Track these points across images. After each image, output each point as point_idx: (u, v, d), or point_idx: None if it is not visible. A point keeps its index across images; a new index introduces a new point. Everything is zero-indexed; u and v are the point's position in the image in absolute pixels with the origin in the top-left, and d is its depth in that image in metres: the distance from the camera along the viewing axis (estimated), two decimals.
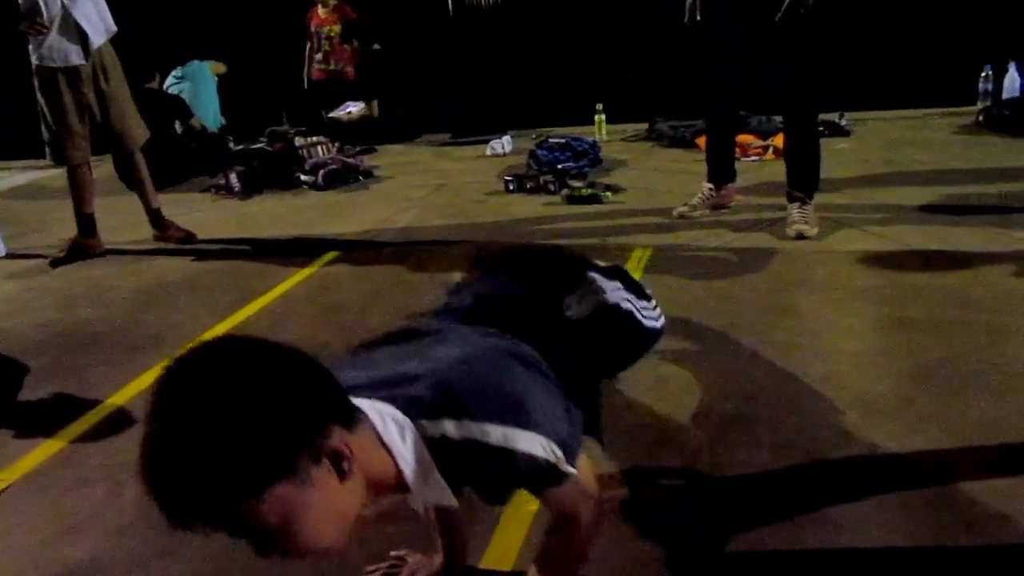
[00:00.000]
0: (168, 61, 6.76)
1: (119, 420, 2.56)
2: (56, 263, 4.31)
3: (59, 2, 3.98)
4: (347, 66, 7.09)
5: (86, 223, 4.41)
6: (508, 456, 1.08)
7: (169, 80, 6.71)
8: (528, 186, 4.78)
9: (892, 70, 6.02)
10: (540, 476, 1.13)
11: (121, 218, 4.83)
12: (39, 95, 4.17)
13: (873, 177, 4.50)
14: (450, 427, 1.08)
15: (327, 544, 1.00)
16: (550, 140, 5.37)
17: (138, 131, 4.36)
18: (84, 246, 4.39)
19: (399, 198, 5.00)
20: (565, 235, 3.93)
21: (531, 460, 1.10)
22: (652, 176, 4.97)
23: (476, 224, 4.23)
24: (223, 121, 6.87)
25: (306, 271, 3.76)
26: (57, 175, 5.18)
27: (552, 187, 4.66)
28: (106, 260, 4.33)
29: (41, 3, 3.97)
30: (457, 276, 1.79)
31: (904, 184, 4.25)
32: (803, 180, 3.70)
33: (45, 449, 2.42)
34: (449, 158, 6.17)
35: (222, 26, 7.40)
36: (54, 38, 4.02)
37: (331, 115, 6.82)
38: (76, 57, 4.07)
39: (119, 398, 2.70)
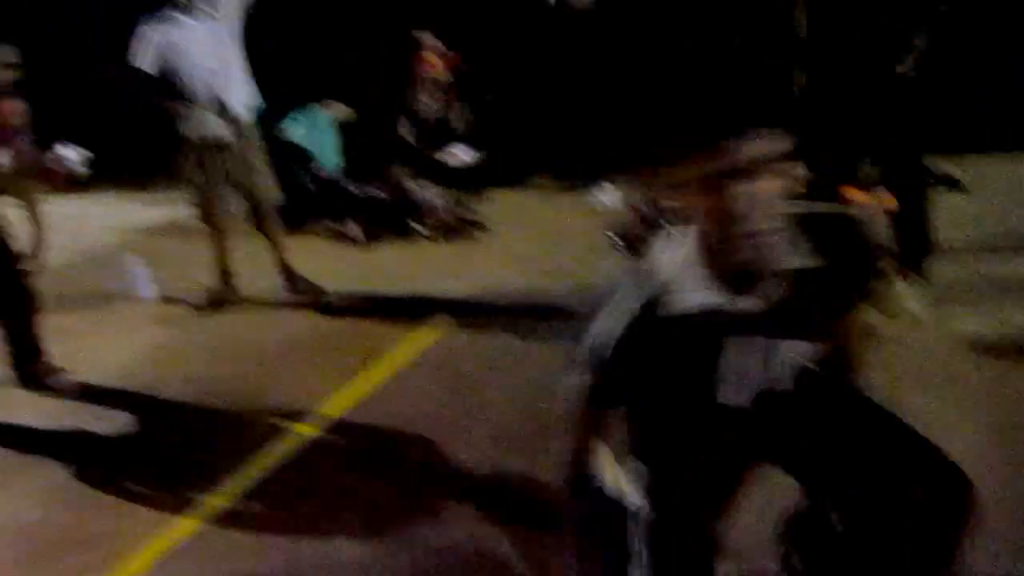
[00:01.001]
0: (288, 107, 7.16)
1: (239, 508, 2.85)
2: (199, 310, 4.74)
3: (210, 83, 4.40)
4: (456, 111, 7.37)
5: (225, 274, 4.84)
6: None
7: (294, 124, 7.12)
8: (635, 244, 4.93)
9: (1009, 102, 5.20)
10: None
11: (256, 268, 5.21)
12: (186, 162, 4.61)
13: (990, 241, 4.29)
14: None
15: None
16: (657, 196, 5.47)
17: (272, 192, 4.75)
18: (223, 296, 4.81)
19: (509, 253, 5.24)
20: None
21: None
22: None
23: (585, 287, 4.41)
24: (342, 164, 7.24)
25: (424, 334, 4.03)
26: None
27: None
28: (242, 310, 4.73)
29: (195, 83, 4.40)
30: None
31: None
32: (910, 247, 3.36)
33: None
34: (557, 207, 6.38)
35: (342, 69, 7.77)
36: (201, 112, 4.45)
37: (440, 158, 7.11)
38: (220, 130, 4.48)
39: (224, 492, 2.93)
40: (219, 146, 4.52)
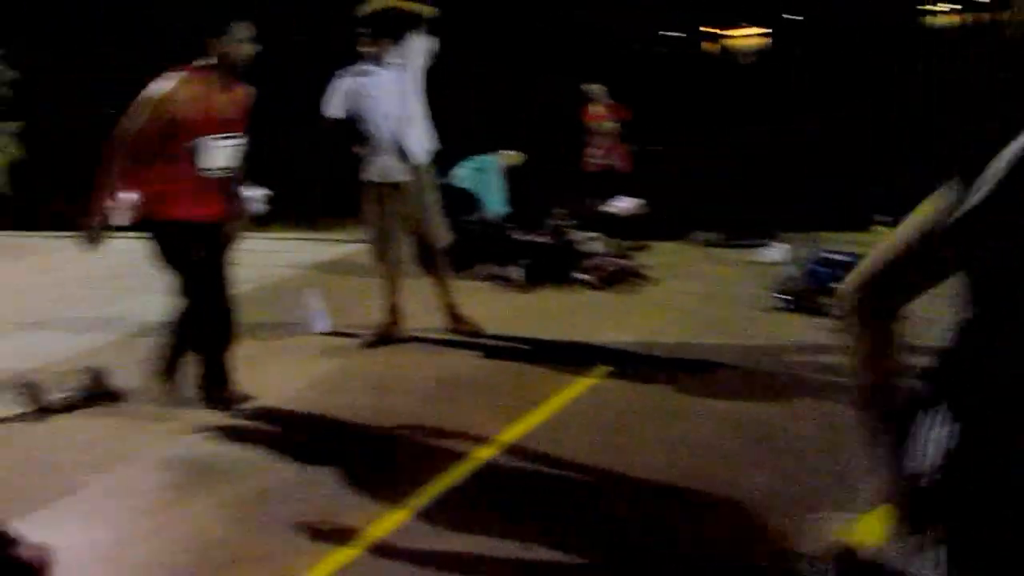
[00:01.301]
0: (461, 153, 7.44)
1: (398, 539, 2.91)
2: (368, 345, 4.94)
3: (391, 128, 4.65)
4: (621, 161, 7.44)
5: (394, 311, 5.03)
6: None
7: (464, 170, 7.38)
8: (803, 305, 4.78)
9: None
10: None
11: (421, 304, 5.39)
12: (364, 204, 4.87)
13: None
14: None
15: None
16: (829, 255, 5.28)
17: (443, 234, 4.93)
18: (391, 332, 5.00)
19: (670, 306, 5.19)
20: (835, 369, 3.90)
21: None
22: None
23: (748, 347, 4.30)
24: (508, 210, 7.43)
25: (582, 382, 4.03)
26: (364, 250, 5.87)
27: (829, 311, 4.62)
28: (408, 346, 4.90)
29: (379, 127, 4.67)
30: None
31: None
32: None
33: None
34: (719, 262, 6.28)
35: (514, 118, 8.04)
36: (383, 159, 4.70)
37: (604, 209, 7.18)
38: (399, 174, 4.72)
39: (388, 521, 3.00)
40: (397, 188, 4.75)
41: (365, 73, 4.67)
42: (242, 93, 3.90)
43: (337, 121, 4.77)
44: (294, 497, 3.22)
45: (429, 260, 5.00)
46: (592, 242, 6.24)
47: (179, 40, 4.09)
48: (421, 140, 4.77)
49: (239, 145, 3.94)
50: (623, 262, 6.04)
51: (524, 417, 3.68)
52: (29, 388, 4.61)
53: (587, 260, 5.96)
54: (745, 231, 6.65)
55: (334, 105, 4.77)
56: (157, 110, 3.70)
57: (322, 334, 5.32)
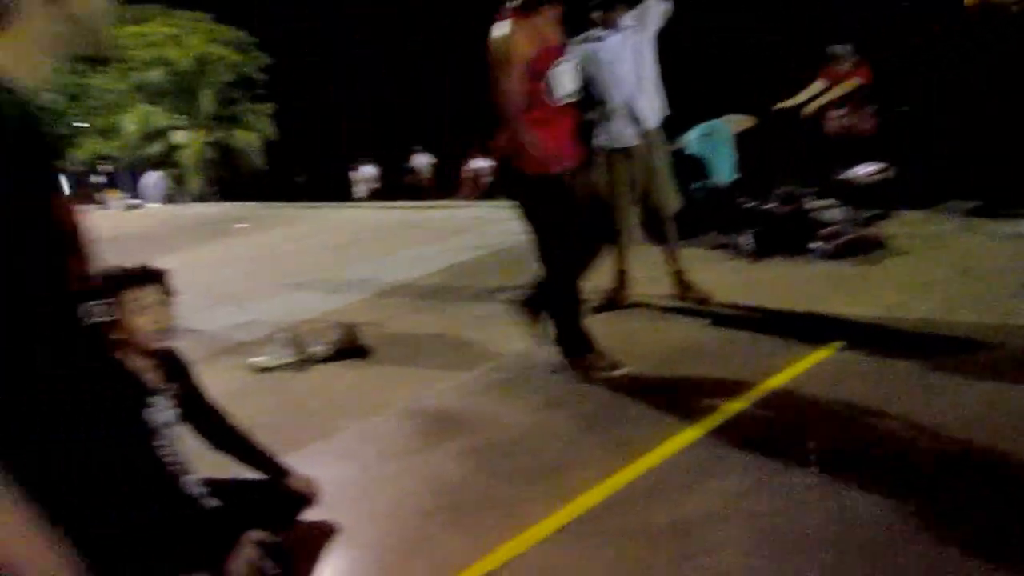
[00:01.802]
0: (691, 119, 7.27)
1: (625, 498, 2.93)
2: (595, 310, 5.00)
3: (625, 94, 4.65)
4: (865, 125, 6.97)
5: (621, 277, 5.07)
6: None
7: (693, 136, 7.22)
8: None
9: None
10: None
11: (650, 273, 5.37)
12: (598, 170, 4.91)
13: None
14: None
15: None
16: None
17: (673, 201, 4.88)
18: (618, 297, 5.04)
19: (916, 280, 4.81)
20: None
21: None
22: None
23: (1011, 326, 3.89)
24: (737, 176, 7.18)
25: (815, 355, 3.83)
26: None
27: None
28: (635, 313, 4.92)
29: (612, 94, 4.68)
30: None
31: None
32: None
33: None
34: (978, 233, 5.71)
35: (747, 81, 7.74)
36: (616, 123, 4.71)
37: (843, 176, 6.76)
38: (631, 139, 4.71)
39: (595, 495, 2.96)
40: (628, 154, 4.76)
41: (597, 38, 4.69)
42: (550, 14, 3.83)
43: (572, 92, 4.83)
44: (530, 448, 3.35)
45: (658, 227, 4.97)
46: (829, 210, 5.89)
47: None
48: (654, 105, 4.74)
49: (575, 66, 3.95)
50: (864, 231, 5.65)
51: (754, 388, 3.58)
52: (294, 341, 5.13)
53: (823, 229, 5.64)
54: (1008, 199, 6.00)
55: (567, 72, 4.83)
56: (515, 57, 3.69)
57: None
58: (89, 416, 1.16)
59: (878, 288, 4.74)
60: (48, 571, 1.01)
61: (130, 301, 2.43)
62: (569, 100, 3.86)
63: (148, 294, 2.47)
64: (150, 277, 2.52)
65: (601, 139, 4.81)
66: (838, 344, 3.91)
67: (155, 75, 29.60)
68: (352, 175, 21.10)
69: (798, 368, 3.72)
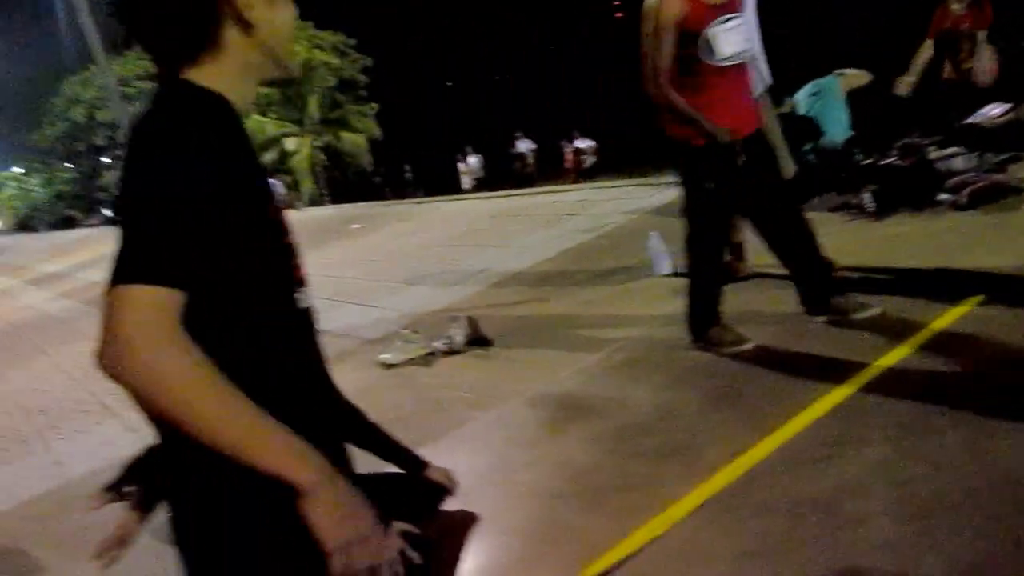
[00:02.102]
0: (800, 80, 7.03)
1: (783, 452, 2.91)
2: None
3: None
4: (986, 67, 6.54)
5: (736, 248, 4.98)
6: None
7: (802, 96, 6.97)
8: None
9: None
10: None
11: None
12: None
13: None
14: None
15: None
16: None
17: (787, 168, 4.75)
18: (736, 269, 4.96)
19: None
20: None
21: None
22: None
23: None
24: (851, 134, 6.89)
25: (952, 313, 3.67)
26: None
27: None
28: (754, 283, 4.82)
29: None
30: None
31: None
32: None
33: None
34: None
35: (856, 34, 7.40)
36: None
37: (969, 120, 6.38)
38: None
39: (778, 435, 3.05)
40: None
41: None
42: None
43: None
44: (661, 428, 3.36)
45: None
46: (955, 158, 5.60)
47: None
48: (759, 74, 4.60)
49: (743, 24, 3.69)
50: (996, 177, 5.32)
51: (890, 351, 3.46)
52: (419, 336, 5.30)
53: (950, 179, 5.35)
54: None
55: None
56: (664, 19, 3.56)
57: (666, 276, 5.43)
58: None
59: (1016, 236, 4.48)
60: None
61: None
62: (734, 61, 3.65)
63: None
64: None
65: None
66: (977, 299, 3.73)
67: (264, 89, 30.82)
68: (460, 166, 21.42)
69: (934, 328, 3.57)
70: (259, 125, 31.16)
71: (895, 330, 3.63)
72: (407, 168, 21.15)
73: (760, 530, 2.55)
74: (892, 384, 3.20)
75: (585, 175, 19.59)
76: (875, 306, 3.86)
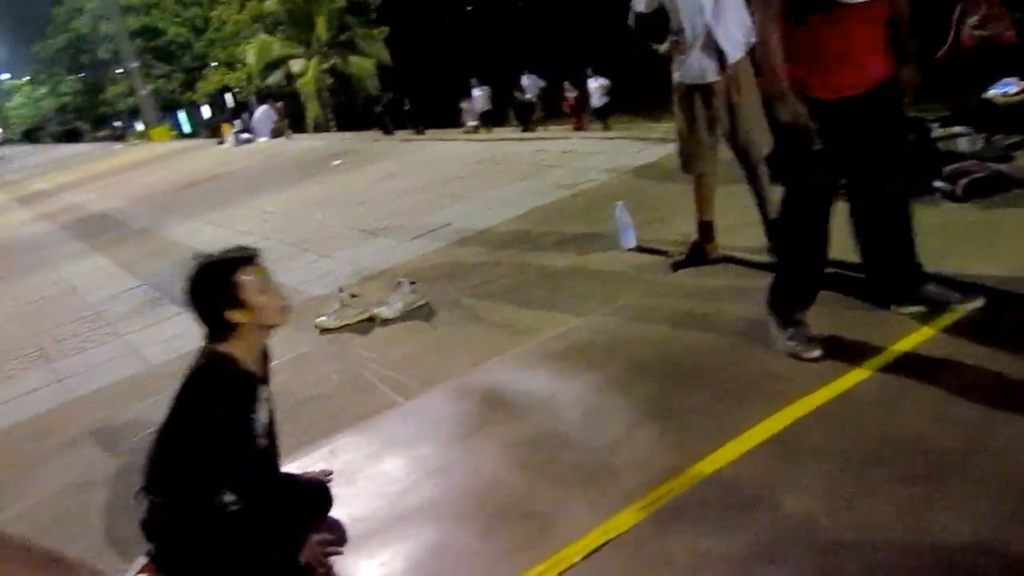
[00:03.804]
0: None
1: (711, 489, 2.55)
2: (676, 266, 4.52)
3: (702, 23, 4.04)
4: (1006, 32, 5.98)
5: (705, 228, 4.55)
6: None
7: None
8: None
9: None
10: None
11: (739, 216, 4.78)
12: (675, 108, 4.36)
13: None
14: None
15: None
16: None
17: (761, 144, 4.26)
18: (702, 251, 4.53)
19: None
20: None
21: None
22: None
23: None
24: None
25: (935, 323, 3.24)
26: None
27: None
28: (721, 269, 4.39)
29: (686, 24, 4.08)
30: None
31: None
32: None
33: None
34: None
35: None
36: (695, 56, 4.12)
37: (985, 95, 5.83)
38: (712, 75, 4.12)
39: (708, 463, 2.68)
40: (709, 90, 4.17)
41: None
42: None
43: (641, 16, 4.26)
44: (577, 445, 2.99)
45: (747, 169, 4.38)
46: (959, 139, 5.06)
47: None
48: (737, 36, 4.08)
49: None
50: (999, 167, 4.77)
51: (854, 369, 3.05)
52: (358, 301, 4.93)
53: (955, 165, 4.78)
54: None
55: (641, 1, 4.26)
56: None
57: (629, 250, 5.00)
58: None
59: (1016, 239, 3.98)
60: None
61: (250, 281, 2.47)
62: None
63: (260, 271, 2.51)
64: (254, 255, 2.54)
65: (679, 74, 4.24)
66: (963, 309, 3.28)
67: (271, 4, 29.92)
68: (463, 105, 20.69)
69: (910, 342, 3.15)
70: (265, 45, 30.36)
71: (864, 341, 3.22)
72: (405, 101, 20.46)
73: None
74: (840, 414, 2.82)
75: (598, 114, 18.90)
76: (978, 297, 3.31)
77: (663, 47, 4.21)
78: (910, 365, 3.02)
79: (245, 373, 2.50)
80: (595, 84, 19.09)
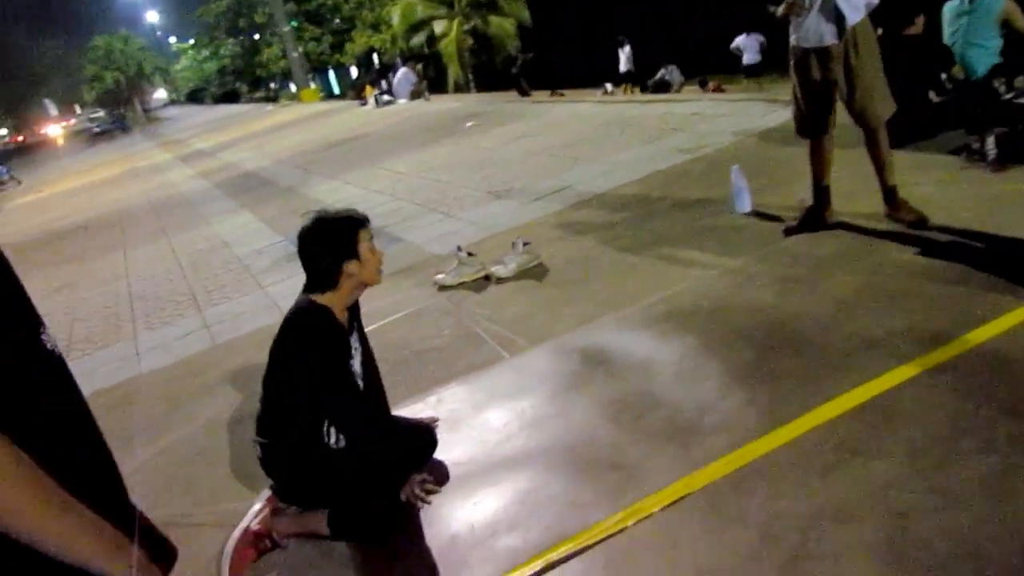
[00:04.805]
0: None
1: (793, 453, 2.61)
2: (788, 231, 4.49)
3: None
4: None
5: (821, 193, 4.48)
6: None
7: (943, 16, 6.01)
8: None
9: None
10: None
11: (859, 183, 4.69)
12: (792, 71, 4.29)
13: None
14: None
15: None
16: None
17: (882, 107, 4.15)
18: (817, 216, 4.47)
19: None
20: None
21: None
22: None
23: None
24: (997, 60, 5.88)
25: None
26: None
27: None
28: (834, 235, 4.33)
29: None
30: None
31: None
32: None
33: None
34: None
35: None
36: (812, 19, 4.05)
37: None
38: (830, 37, 4.04)
39: (793, 428, 2.73)
40: (822, 53, 4.09)
41: None
42: None
43: None
44: (668, 404, 3.10)
45: (866, 134, 4.27)
46: None
47: None
48: None
49: None
50: None
51: (956, 338, 3.00)
52: (475, 260, 5.15)
53: None
54: None
55: None
56: None
57: (745, 215, 4.98)
58: None
59: None
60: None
61: (366, 240, 2.79)
62: None
63: (370, 234, 2.81)
64: (367, 219, 2.84)
65: (797, 37, 4.17)
66: None
67: None
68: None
69: (1012, 320, 3.07)
70: (409, 6, 30.98)
71: (969, 315, 3.15)
72: (525, 59, 20.22)
73: (727, 544, 2.31)
74: (927, 392, 2.79)
75: (749, 72, 17.78)
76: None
77: (779, 9, 4.14)
78: (1010, 342, 2.94)
79: (340, 325, 2.75)
80: (747, 40, 17.89)
